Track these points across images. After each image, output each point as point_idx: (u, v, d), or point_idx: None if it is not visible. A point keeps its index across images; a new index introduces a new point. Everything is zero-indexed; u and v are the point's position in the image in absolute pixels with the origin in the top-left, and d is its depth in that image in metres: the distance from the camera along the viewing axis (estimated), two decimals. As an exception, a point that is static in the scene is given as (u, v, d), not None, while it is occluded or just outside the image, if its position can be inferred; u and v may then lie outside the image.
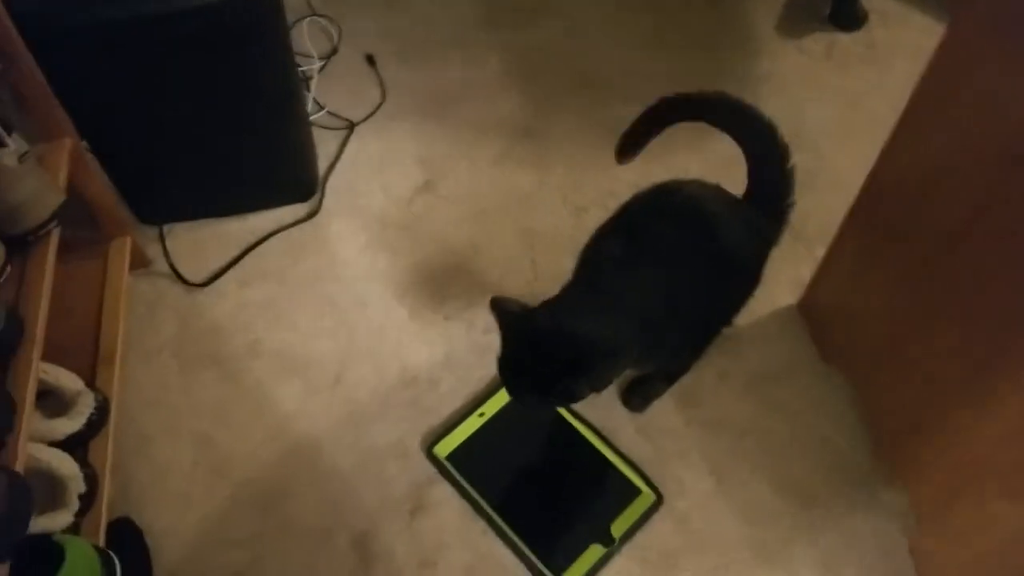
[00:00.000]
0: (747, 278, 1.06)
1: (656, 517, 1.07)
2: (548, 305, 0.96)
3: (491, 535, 1.06)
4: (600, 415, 1.15)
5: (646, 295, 0.96)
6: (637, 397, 1.17)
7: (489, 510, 1.07)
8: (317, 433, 1.16)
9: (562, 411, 1.15)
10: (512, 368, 0.94)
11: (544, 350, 0.90)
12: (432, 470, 1.11)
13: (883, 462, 1.10)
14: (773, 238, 1.07)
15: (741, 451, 1.13)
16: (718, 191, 1.04)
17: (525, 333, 0.93)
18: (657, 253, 0.98)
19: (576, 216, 1.39)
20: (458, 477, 1.10)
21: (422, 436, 1.14)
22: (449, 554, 1.05)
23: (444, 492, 1.10)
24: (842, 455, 1.12)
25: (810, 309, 1.27)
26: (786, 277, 1.30)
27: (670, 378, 1.18)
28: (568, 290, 0.99)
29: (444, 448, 1.13)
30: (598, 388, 0.91)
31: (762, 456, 1.12)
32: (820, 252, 1.27)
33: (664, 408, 1.17)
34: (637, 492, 1.08)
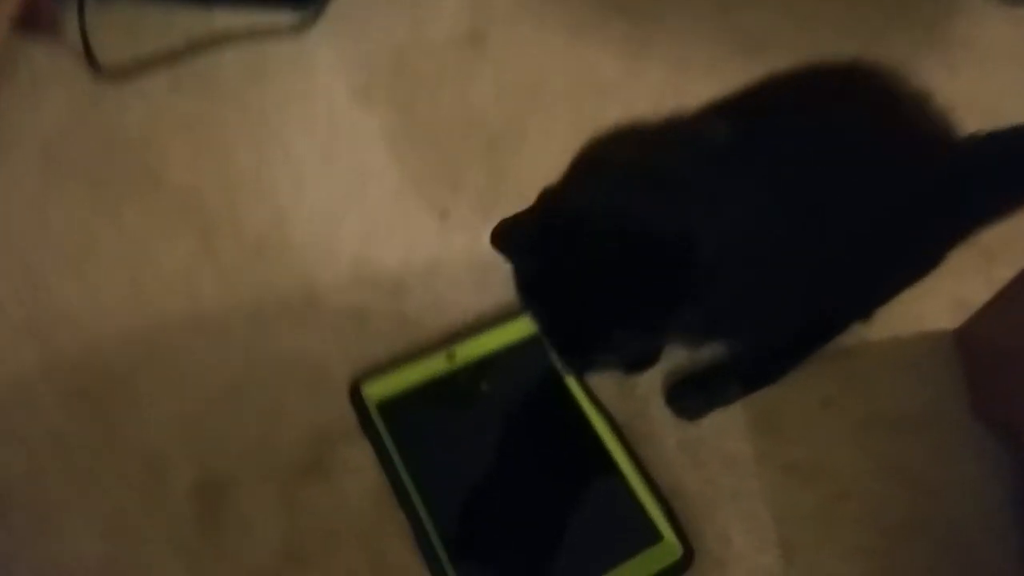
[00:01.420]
0: (929, 246, 0.65)
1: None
2: (585, 198, 0.56)
3: (407, 542, 0.66)
4: (627, 411, 0.75)
5: (758, 219, 0.56)
6: (692, 396, 0.76)
7: (419, 504, 0.67)
8: (201, 318, 0.78)
9: (574, 389, 0.75)
10: (562, 304, 0.58)
11: (623, 264, 0.55)
12: (353, 419, 0.72)
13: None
14: (987, 213, 0.68)
15: (833, 519, 0.72)
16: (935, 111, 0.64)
17: (581, 245, 0.57)
18: (797, 157, 0.57)
19: (666, 125, 0.97)
20: (386, 440, 0.71)
21: (355, 367, 0.75)
22: (334, 553, 0.66)
23: (359, 457, 0.71)
24: (979, 554, 0.70)
25: (972, 343, 0.86)
26: (947, 292, 0.88)
27: (749, 380, 0.77)
28: (609, 178, 0.59)
29: (379, 391, 0.73)
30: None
31: (862, 534, 0.71)
32: (1001, 273, 0.86)
33: (729, 425, 0.76)
34: (656, 538, 0.68)
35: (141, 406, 0.72)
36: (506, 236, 0.59)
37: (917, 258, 0.67)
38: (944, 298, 0.88)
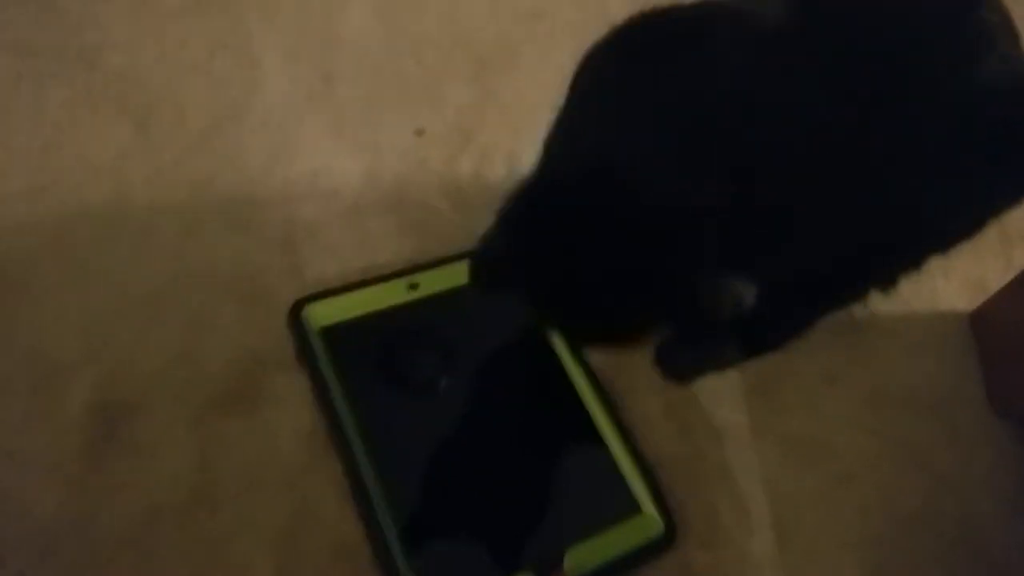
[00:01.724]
0: (986, 198, 0.57)
1: (655, 565, 0.56)
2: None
3: (340, 492, 0.56)
4: (607, 366, 0.65)
5: (812, 125, 0.47)
6: (684, 357, 0.67)
7: (359, 452, 0.57)
8: (125, 214, 0.66)
9: (552, 336, 0.65)
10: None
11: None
12: (290, 344, 0.61)
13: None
14: None
15: (834, 503, 0.63)
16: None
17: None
18: (869, 46, 0.48)
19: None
20: (326, 372, 0.60)
21: (299, 286, 0.64)
22: (251, 497, 0.55)
23: (292, 390, 0.60)
24: (993, 550, 0.62)
25: (988, 327, 0.78)
26: (963, 272, 0.81)
27: (749, 343, 0.68)
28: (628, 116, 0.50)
29: (323, 314, 0.62)
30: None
31: (867, 520, 0.62)
32: (1020, 256, 0.80)
33: (723, 391, 0.67)
34: (634, 510, 0.58)
35: (38, 305, 0.61)
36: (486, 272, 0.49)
37: (969, 212, 0.58)
38: (960, 278, 0.80)
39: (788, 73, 0.47)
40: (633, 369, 0.66)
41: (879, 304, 0.73)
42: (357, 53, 0.81)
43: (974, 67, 0.50)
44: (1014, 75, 0.51)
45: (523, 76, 0.83)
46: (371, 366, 0.61)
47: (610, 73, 0.55)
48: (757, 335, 0.68)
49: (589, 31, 0.86)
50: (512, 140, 0.77)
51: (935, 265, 0.80)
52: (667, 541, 0.57)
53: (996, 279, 0.77)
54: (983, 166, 0.53)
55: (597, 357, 0.65)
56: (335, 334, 0.62)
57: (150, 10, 0.79)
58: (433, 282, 0.66)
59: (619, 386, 0.64)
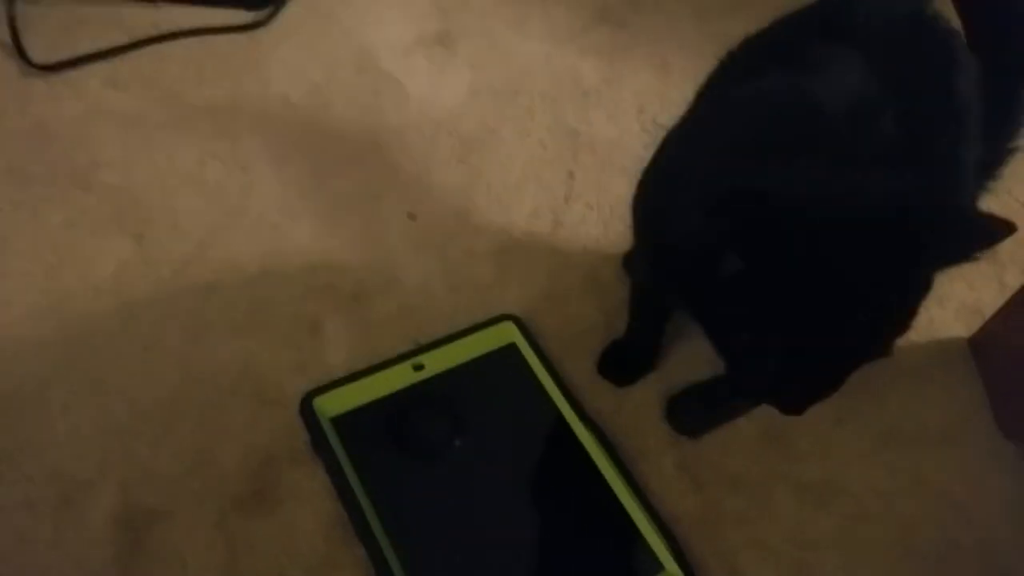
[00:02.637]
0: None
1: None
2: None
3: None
4: (618, 426, 0.67)
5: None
6: (693, 411, 0.69)
7: (380, 536, 0.59)
8: (131, 326, 0.69)
9: (558, 402, 0.67)
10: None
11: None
12: (303, 439, 0.63)
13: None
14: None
15: (854, 543, 0.64)
16: None
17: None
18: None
19: (651, 134, 0.92)
20: (343, 461, 0.62)
21: (307, 380, 0.66)
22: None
23: (310, 483, 0.62)
24: (1012, 572, 0.63)
25: (988, 351, 0.80)
26: (957, 298, 0.83)
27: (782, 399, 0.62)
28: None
29: (333, 405, 0.65)
30: None
31: (888, 557, 0.64)
32: (1013, 279, 0.83)
33: (733, 442, 0.69)
34: (657, 569, 0.59)
35: (54, 423, 0.63)
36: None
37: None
38: (955, 304, 0.82)
39: None
40: (642, 429, 0.68)
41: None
42: (344, 146, 0.85)
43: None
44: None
45: (506, 152, 0.87)
46: (384, 444, 0.63)
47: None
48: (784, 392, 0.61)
49: (564, 102, 0.91)
50: (503, 216, 0.80)
51: (931, 293, 0.83)
52: (692, 598, 0.58)
53: (991, 303, 0.79)
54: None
55: (605, 418, 0.67)
56: (347, 422, 0.64)
57: (138, 126, 0.83)
58: (437, 361, 0.68)
59: (629, 447, 0.66)
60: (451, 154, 0.86)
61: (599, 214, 0.82)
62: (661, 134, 0.61)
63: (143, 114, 0.84)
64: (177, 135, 0.83)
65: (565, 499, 0.63)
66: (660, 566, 0.59)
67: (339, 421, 0.64)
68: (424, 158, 0.85)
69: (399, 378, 0.67)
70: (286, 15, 0.96)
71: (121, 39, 0.89)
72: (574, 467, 0.64)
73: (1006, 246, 0.79)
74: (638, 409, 0.69)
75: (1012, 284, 0.81)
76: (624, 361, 0.71)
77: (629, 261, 0.76)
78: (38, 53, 0.86)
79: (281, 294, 0.72)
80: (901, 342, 0.78)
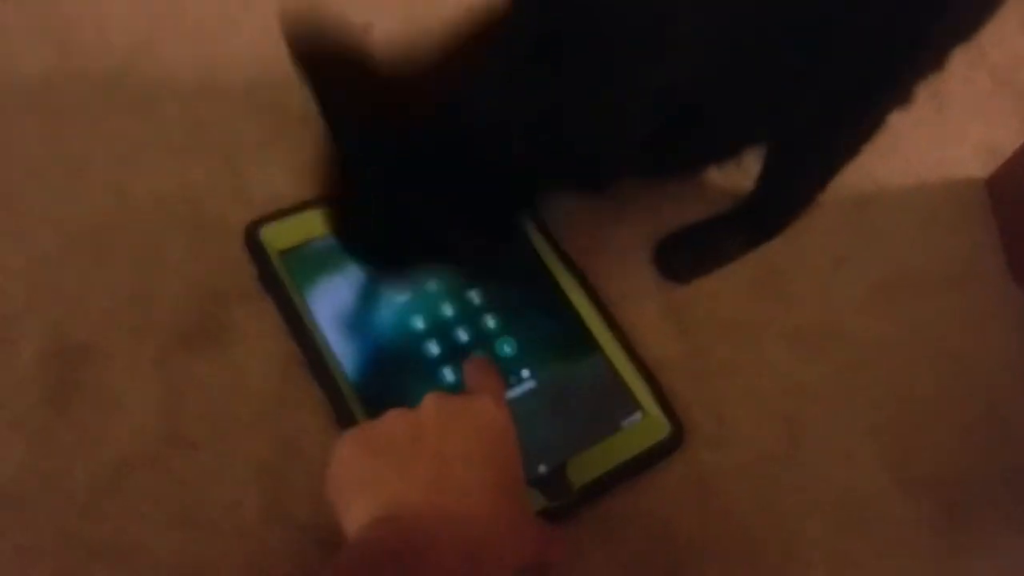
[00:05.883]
0: None
1: (663, 468, 0.57)
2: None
3: (324, 419, 0.56)
4: (600, 268, 0.64)
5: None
6: (683, 253, 0.66)
7: (338, 375, 0.57)
8: (59, 148, 0.64)
9: (536, 239, 0.64)
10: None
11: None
12: (251, 272, 0.60)
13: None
14: None
15: (846, 393, 0.63)
16: None
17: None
18: None
19: None
20: (295, 297, 0.59)
21: (253, 208, 0.62)
22: (229, 436, 0.55)
23: (259, 320, 0.59)
24: (1016, 433, 0.63)
25: (1006, 193, 0.77)
26: (975, 136, 0.80)
27: (754, 231, 0.67)
28: None
29: (282, 236, 0.61)
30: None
31: (880, 409, 0.63)
32: None
33: (723, 288, 0.66)
34: (638, 413, 0.58)
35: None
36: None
37: None
38: (972, 142, 0.79)
39: None
40: (625, 274, 0.65)
41: (887, 176, 0.73)
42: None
43: None
44: None
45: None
46: (343, 285, 0.60)
47: None
48: (759, 219, 0.68)
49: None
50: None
51: (945, 131, 0.79)
52: (674, 442, 0.57)
53: (1011, 141, 0.76)
54: None
55: (586, 258, 0.64)
56: (297, 256, 0.61)
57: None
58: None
59: (612, 292, 0.64)
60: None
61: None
62: None
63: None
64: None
65: (536, 331, 0.61)
66: (642, 411, 0.58)
67: (289, 254, 0.60)
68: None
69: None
70: None
71: None
72: (551, 310, 0.62)
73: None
74: (621, 249, 0.66)
75: (1035, 122, 0.78)
76: None
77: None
78: None
79: (221, 113, 0.67)
80: (911, 181, 0.75)
